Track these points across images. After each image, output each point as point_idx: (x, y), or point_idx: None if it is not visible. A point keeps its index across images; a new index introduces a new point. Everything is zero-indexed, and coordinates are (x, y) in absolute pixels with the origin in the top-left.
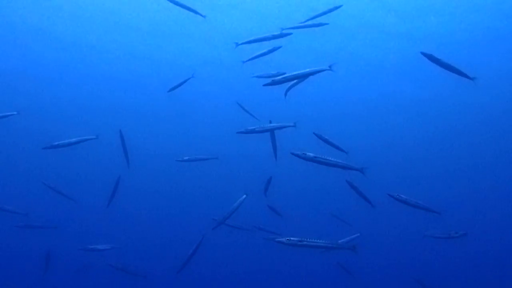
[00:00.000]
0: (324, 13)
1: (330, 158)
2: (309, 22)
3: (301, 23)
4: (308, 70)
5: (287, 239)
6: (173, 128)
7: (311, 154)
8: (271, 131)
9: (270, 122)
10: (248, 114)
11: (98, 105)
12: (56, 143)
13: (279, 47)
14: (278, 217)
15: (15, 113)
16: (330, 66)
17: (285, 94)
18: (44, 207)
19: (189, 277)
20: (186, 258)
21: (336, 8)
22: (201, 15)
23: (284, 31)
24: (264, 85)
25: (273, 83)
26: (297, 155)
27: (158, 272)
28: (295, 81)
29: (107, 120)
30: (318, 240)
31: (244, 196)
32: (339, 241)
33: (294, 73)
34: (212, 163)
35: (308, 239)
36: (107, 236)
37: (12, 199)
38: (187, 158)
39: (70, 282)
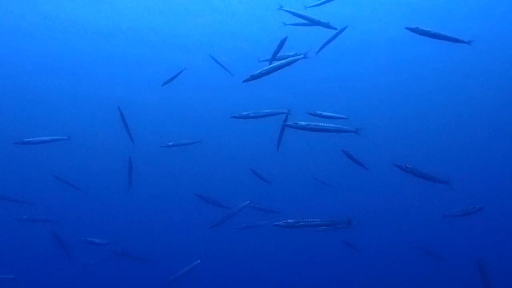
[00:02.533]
0: None
1: (322, 124)
2: None
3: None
4: (284, 61)
5: (284, 222)
6: (172, 115)
7: (303, 123)
8: (265, 117)
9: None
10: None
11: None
12: (27, 139)
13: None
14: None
15: None
16: (304, 54)
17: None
18: (52, 198)
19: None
20: (177, 275)
21: None
22: None
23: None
24: (244, 81)
25: (252, 78)
26: (289, 126)
27: (160, 257)
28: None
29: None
30: (314, 219)
31: (248, 201)
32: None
33: (271, 66)
34: (206, 148)
35: (304, 219)
36: (109, 227)
37: (19, 189)
38: (171, 143)
39: (77, 273)
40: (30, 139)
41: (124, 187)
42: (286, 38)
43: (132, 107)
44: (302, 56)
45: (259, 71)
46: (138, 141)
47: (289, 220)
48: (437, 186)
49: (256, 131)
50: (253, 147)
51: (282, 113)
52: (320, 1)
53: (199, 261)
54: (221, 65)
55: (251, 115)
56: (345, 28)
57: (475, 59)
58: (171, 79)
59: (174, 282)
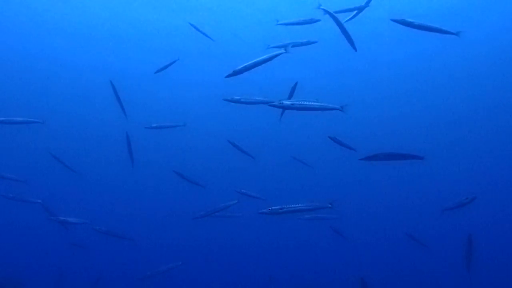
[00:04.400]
0: None
1: (307, 103)
2: None
3: None
4: (265, 56)
5: (269, 209)
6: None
7: (288, 102)
8: (256, 104)
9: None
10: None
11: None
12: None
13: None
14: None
15: None
16: (285, 49)
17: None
18: (46, 177)
19: (179, 246)
20: (154, 272)
21: None
22: None
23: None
24: (226, 76)
25: (235, 73)
26: (275, 106)
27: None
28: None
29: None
30: (298, 204)
31: (236, 201)
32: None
33: (253, 61)
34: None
35: (288, 205)
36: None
37: (15, 168)
38: (155, 125)
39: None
40: (2, 119)
41: (116, 169)
42: (317, 20)
43: (126, 93)
44: (283, 51)
45: (241, 66)
46: (129, 126)
47: (273, 207)
48: (427, 176)
49: (248, 118)
50: (244, 134)
51: (273, 102)
52: None
53: (180, 262)
54: (203, 32)
55: (242, 100)
56: (365, 6)
57: (469, 53)
58: (164, 68)
59: (150, 277)
